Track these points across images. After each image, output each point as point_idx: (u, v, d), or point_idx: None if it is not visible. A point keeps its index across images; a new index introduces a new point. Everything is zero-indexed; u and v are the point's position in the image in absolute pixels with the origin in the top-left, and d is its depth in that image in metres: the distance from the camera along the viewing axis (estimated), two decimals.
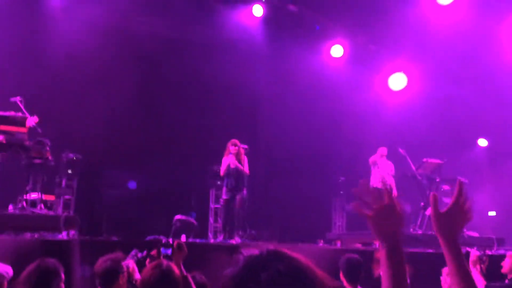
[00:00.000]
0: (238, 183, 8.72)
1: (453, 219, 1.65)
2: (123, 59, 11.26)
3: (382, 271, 1.52)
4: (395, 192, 10.22)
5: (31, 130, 7.10)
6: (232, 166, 8.66)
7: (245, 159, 8.86)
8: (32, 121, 7.19)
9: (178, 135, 11.92)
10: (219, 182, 9.75)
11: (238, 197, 8.73)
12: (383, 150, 10.29)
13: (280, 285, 1.21)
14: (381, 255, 1.51)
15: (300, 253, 1.29)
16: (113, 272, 3.85)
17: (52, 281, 3.43)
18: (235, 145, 8.74)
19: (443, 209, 1.67)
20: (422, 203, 9.77)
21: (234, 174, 8.70)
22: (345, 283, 4.34)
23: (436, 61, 11.51)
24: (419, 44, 11.48)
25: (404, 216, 1.55)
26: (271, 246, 1.30)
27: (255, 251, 1.28)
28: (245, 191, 8.80)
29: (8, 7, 10.32)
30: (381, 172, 10.14)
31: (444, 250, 1.64)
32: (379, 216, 1.52)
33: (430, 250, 8.54)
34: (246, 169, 8.79)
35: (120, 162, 11.25)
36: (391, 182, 10.25)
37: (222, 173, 8.84)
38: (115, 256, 3.92)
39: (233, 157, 8.69)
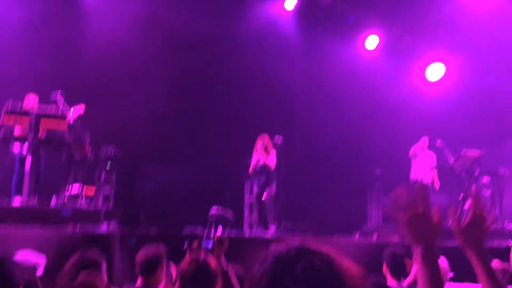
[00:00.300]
0: (267, 178, 8.83)
1: (476, 230, 1.65)
2: (159, 53, 11.44)
3: (417, 272, 1.53)
4: (437, 184, 10.03)
5: (72, 124, 7.27)
6: (260, 163, 8.81)
7: (272, 152, 8.93)
8: (76, 111, 7.38)
9: (214, 128, 12.02)
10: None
11: (267, 191, 8.86)
12: (423, 141, 10.05)
13: (315, 277, 1.22)
14: (415, 256, 1.52)
15: (336, 247, 1.30)
16: (154, 263, 3.94)
17: (94, 272, 3.51)
18: (261, 139, 8.89)
19: (464, 223, 1.68)
20: (461, 196, 9.58)
21: (263, 170, 8.83)
22: (388, 276, 4.34)
23: (474, 50, 11.23)
24: (456, 33, 11.22)
25: (441, 226, 1.54)
26: (297, 241, 1.31)
27: (282, 247, 1.29)
28: (274, 186, 8.92)
29: (47, 5, 10.61)
30: (421, 164, 9.92)
31: (471, 259, 1.64)
32: (412, 222, 1.52)
33: None
34: (272, 162, 8.86)
35: (157, 155, 11.43)
36: (433, 175, 10.02)
37: (250, 170, 9.03)
38: (156, 247, 4.01)
39: (262, 154, 8.80)
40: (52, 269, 3.68)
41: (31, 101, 7.52)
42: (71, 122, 7.33)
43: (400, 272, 4.34)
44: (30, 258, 3.48)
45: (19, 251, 3.49)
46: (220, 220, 8.87)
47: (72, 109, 7.51)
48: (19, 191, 6.96)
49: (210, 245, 3.75)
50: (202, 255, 3.30)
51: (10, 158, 7.20)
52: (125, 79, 10.95)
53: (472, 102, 11.61)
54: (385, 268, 4.41)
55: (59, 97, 7.55)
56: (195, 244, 3.92)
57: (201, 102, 11.97)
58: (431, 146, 10.16)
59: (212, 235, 3.83)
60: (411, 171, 10.09)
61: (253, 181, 9.20)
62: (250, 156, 9.24)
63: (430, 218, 1.53)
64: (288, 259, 1.25)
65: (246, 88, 12.28)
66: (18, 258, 3.42)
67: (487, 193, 10.11)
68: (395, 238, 9.25)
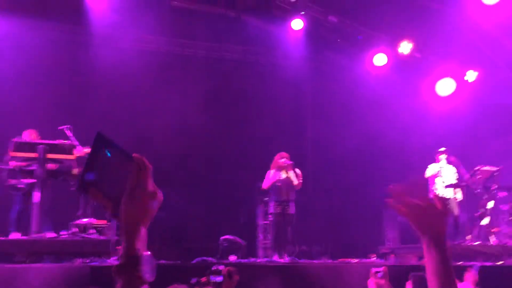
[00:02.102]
0: (288, 197, 8.40)
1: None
2: (171, 83, 11.49)
3: (426, 262, 1.45)
4: (459, 199, 9.71)
5: (80, 157, 7.24)
6: (278, 183, 8.33)
7: (298, 171, 8.48)
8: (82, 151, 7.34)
9: (225, 152, 11.96)
10: (266, 198, 9.49)
11: (287, 212, 8.38)
12: (438, 155, 9.72)
13: None
14: (424, 247, 1.44)
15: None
16: None
17: None
18: (281, 156, 8.44)
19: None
20: (478, 213, 9.36)
21: (284, 188, 8.33)
22: None
23: (484, 64, 11.10)
24: (466, 47, 11.11)
25: (445, 213, 1.46)
26: None
27: None
28: (293, 206, 8.47)
29: (57, 34, 10.72)
30: (442, 179, 9.62)
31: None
32: (414, 213, 1.46)
33: (489, 263, 8.18)
34: (299, 181, 8.40)
35: (169, 182, 11.33)
36: (455, 189, 9.69)
37: (265, 186, 8.44)
38: None
39: (280, 171, 8.36)
40: None
41: (30, 137, 7.46)
42: (81, 156, 7.29)
43: None
44: None
45: None
46: (231, 244, 8.69)
47: (80, 146, 7.48)
48: (18, 227, 6.94)
49: (219, 279, 3.64)
50: None
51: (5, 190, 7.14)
52: (135, 109, 11.01)
53: (484, 117, 11.43)
54: None
55: (67, 131, 7.53)
56: (203, 279, 3.81)
57: (210, 128, 11.91)
58: (448, 161, 9.88)
59: (221, 268, 3.71)
60: (431, 187, 9.81)
61: (270, 199, 8.59)
62: (262, 178, 8.76)
63: (433, 207, 1.44)
64: None
65: (256, 111, 12.25)
66: None
67: (505, 207, 9.87)
68: (413, 259, 9.03)
